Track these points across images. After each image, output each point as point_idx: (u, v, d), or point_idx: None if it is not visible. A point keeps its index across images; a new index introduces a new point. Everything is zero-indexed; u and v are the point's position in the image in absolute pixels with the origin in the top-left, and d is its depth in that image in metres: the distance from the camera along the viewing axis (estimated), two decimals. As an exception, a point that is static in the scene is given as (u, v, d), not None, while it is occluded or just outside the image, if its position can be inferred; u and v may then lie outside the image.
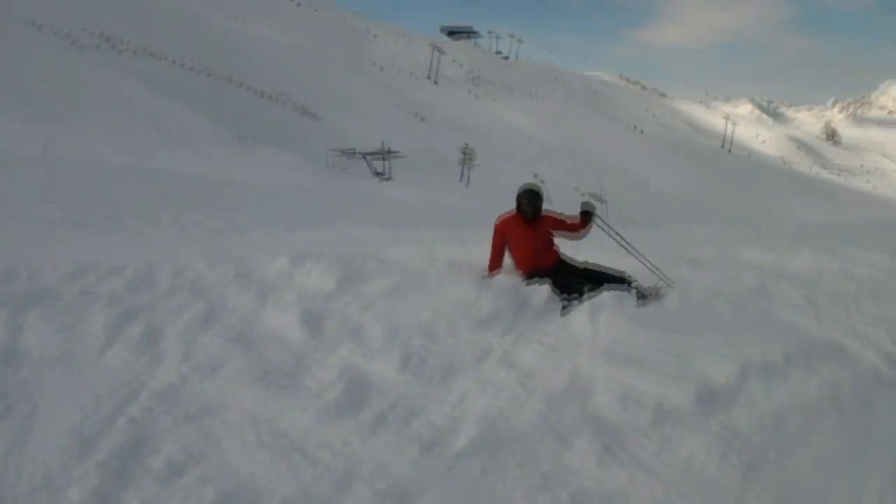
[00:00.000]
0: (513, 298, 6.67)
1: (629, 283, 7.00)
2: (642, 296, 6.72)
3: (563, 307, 6.41)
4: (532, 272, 7.29)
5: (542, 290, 6.78)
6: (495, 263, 7.64)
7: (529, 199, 7.49)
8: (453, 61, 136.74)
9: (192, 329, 5.97)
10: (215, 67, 70.95)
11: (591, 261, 7.53)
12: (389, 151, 58.49)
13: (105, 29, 66.10)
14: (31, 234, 10.88)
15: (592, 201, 8.04)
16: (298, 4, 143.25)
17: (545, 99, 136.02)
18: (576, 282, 6.87)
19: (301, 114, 70.57)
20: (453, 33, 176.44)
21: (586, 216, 7.71)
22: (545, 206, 7.60)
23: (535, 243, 7.51)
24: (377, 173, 55.56)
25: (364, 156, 57.70)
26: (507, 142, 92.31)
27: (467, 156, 63.49)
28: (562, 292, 6.69)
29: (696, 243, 11.55)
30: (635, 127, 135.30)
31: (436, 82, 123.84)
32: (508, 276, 7.37)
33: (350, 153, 56.84)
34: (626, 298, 6.38)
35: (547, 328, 5.93)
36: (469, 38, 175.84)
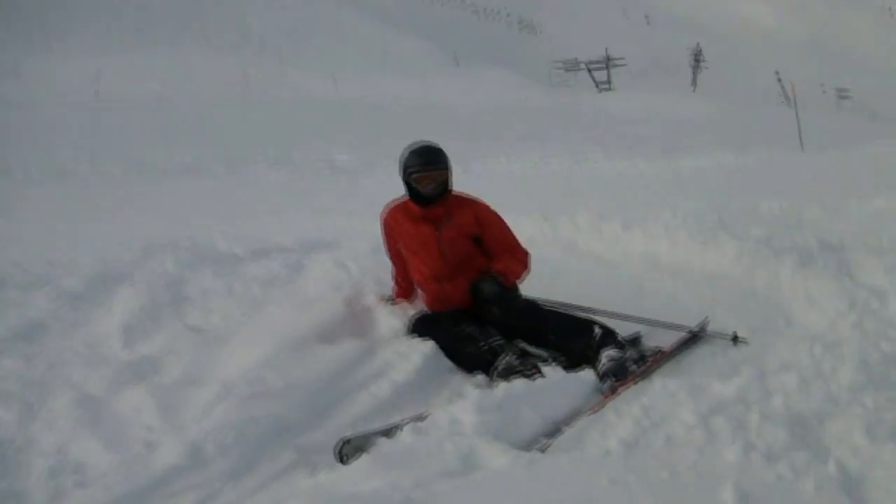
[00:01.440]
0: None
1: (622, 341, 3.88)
2: (641, 358, 3.72)
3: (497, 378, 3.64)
4: (437, 304, 4.37)
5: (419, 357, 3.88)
6: (400, 280, 4.71)
7: (422, 162, 4.24)
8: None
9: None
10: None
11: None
12: (609, 59, 55.04)
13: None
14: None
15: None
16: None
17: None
18: (527, 330, 4.08)
19: (521, 28, 68.05)
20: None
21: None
22: None
23: (440, 249, 4.30)
24: (599, 83, 52.61)
25: (587, 67, 54.75)
26: (742, 40, 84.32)
27: (698, 59, 58.22)
28: (491, 361, 3.76)
29: None
30: (890, 10, 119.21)
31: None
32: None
33: (571, 66, 54.36)
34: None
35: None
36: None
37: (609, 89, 50.67)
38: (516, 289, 4.30)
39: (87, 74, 24.39)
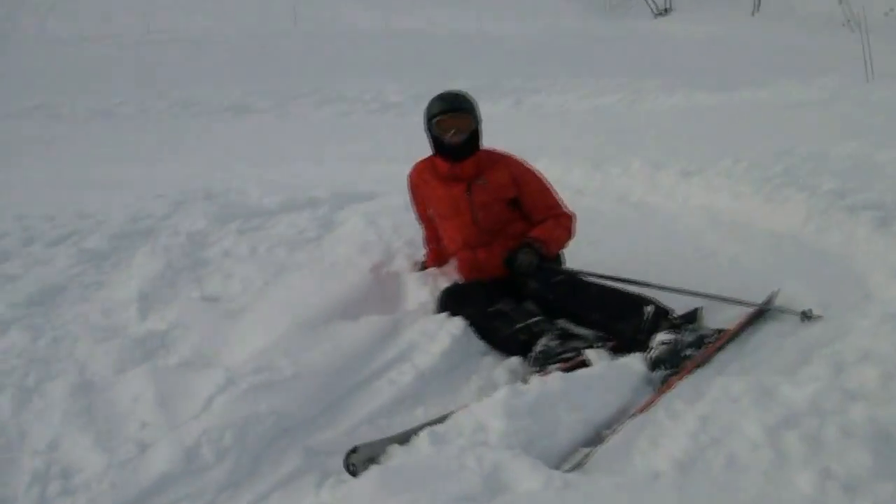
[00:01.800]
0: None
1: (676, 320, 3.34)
2: (698, 341, 3.15)
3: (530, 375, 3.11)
4: (470, 273, 3.92)
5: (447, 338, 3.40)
6: (431, 244, 4.24)
7: (445, 107, 3.76)
8: None
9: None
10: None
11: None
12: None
13: None
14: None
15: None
16: None
17: None
18: (570, 308, 3.54)
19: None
20: None
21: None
22: None
23: (472, 213, 3.83)
24: (657, 8, 50.70)
25: (646, -10, 52.77)
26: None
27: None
28: (527, 343, 3.32)
29: None
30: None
31: None
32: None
33: (630, -11, 52.51)
34: None
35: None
36: None
37: (667, 12, 48.79)
38: (558, 259, 3.84)
39: (139, 10, 24.06)
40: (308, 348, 3.31)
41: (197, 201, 6.41)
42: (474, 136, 3.83)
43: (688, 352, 3.07)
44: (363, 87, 15.85)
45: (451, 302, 3.67)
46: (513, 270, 3.64)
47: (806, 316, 3.44)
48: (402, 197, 5.50)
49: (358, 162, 8.41)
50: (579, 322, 3.49)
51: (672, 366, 3.01)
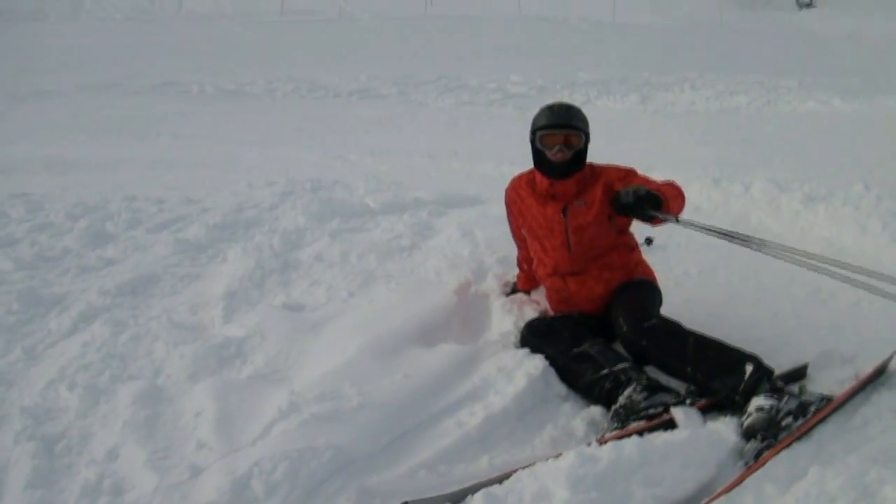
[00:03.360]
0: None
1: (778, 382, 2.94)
2: (801, 408, 2.77)
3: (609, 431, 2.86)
4: (558, 304, 3.65)
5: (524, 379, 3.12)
6: (524, 265, 3.99)
7: (552, 121, 3.46)
8: None
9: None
10: None
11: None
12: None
13: None
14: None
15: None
16: None
17: None
18: (662, 356, 3.16)
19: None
20: None
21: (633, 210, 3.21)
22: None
23: (565, 238, 3.53)
24: (803, 4, 48.30)
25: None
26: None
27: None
28: (612, 391, 3.03)
29: None
30: None
31: None
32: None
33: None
34: None
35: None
36: None
37: (811, 5, 46.51)
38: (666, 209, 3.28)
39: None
40: (377, 376, 3.14)
41: (304, 193, 6.39)
42: (580, 154, 3.54)
43: (787, 421, 2.72)
44: (486, 75, 15.64)
45: (532, 339, 3.42)
46: (618, 201, 3.27)
47: None
48: (503, 205, 5.29)
49: (470, 159, 8.21)
50: (670, 373, 3.17)
51: (767, 437, 2.66)
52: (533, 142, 3.56)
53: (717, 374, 2.96)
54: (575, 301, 3.56)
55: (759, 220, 5.36)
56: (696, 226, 3.26)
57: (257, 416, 2.93)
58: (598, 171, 3.59)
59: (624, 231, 3.64)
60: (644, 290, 3.53)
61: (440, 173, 7.46)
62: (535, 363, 3.21)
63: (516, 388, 3.07)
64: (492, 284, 4.07)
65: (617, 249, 3.58)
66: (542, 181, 3.61)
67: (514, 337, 3.50)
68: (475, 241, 4.60)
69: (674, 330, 3.20)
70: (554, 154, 3.48)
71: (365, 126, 11.06)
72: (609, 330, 3.41)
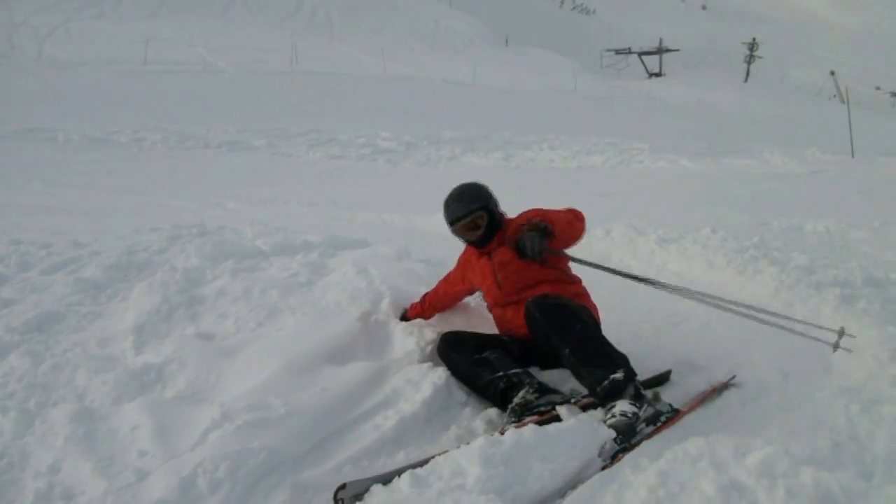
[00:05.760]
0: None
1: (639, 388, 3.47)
2: (655, 417, 3.46)
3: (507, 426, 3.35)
4: (500, 329, 4.21)
5: (429, 387, 3.61)
6: (428, 299, 4.55)
7: (451, 219, 4.18)
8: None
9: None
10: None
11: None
12: (662, 50, 54.31)
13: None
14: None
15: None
16: None
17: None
18: (549, 338, 3.64)
19: (577, 10, 67.19)
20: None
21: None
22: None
23: (495, 278, 4.11)
24: (651, 74, 51.99)
25: (639, 55, 54.16)
26: (798, 31, 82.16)
27: (752, 50, 56.77)
28: (505, 391, 3.58)
29: None
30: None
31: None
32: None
33: (624, 52, 53.89)
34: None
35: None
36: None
37: (660, 75, 50.15)
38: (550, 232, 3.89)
39: (137, 39, 24.46)
40: (298, 390, 3.54)
41: (192, 237, 6.61)
42: (490, 225, 4.14)
43: (641, 427, 3.33)
44: (356, 130, 16.21)
45: (443, 346, 3.91)
46: (517, 246, 3.88)
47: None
48: (392, 247, 5.77)
49: (350, 208, 8.67)
50: (551, 348, 3.61)
51: (625, 441, 3.23)
52: (452, 232, 4.23)
53: (589, 364, 3.45)
54: (510, 327, 4.06)
55: (620, 259, 6.11)
56: (585, 263, 4.02)
57: (192, 427, 3.27)
58: (510, 222, 4.18)
59: (555, 266, 4.12)
60: (565, 299, 3.88)
61: (323, 219, 7.88)
62: (439, 374, 3.71)
63: (423, 395, 3.55)
64: (389, 313, 4.53)
65: (551, 283, 4.03)
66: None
67: (418, 354, 3.98)
68: (370, 277, 5.04)
69: (568, 313, 3.66)
70: (470, 238, 4.16)
71: (239, 176, 11.35)
72: (541, 354, 3.88)
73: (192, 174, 11.50)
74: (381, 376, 3.75)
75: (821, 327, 3.74)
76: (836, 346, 3.59)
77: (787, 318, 3.75)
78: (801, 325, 3.79)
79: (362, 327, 4.27)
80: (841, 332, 3.59)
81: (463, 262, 4.41)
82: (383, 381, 3.72)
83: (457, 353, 3.84)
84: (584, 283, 4.24)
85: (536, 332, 3.71)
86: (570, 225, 4.01)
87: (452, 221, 4.16)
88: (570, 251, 4.15)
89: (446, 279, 4.52)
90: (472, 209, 4.10)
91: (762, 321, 3.78)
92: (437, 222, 7.91)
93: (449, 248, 6.38)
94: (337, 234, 6.68)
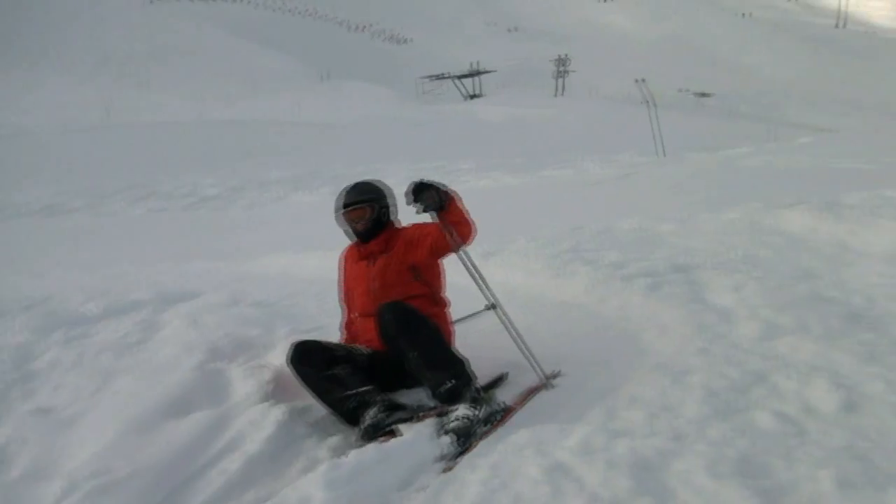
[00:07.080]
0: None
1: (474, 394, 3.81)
2: (489, 418, 3.72)
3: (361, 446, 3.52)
4: (347, 338, 4.49)
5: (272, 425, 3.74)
6: (344, 326, 4.62)
7: (345, 201, 4.32)
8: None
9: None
10: (296, 3, 69.05)
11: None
12: (478, 72, 56.39)
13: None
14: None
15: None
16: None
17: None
18: (402, 334, 3.91)
19: (390, 41, 68.40)
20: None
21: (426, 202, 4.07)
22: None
23: (368, 284, 4.33)
24: (469, 96, 53.83)
25: (454, 79, 55.93)
26: (603, 45, 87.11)
27: (562, 66, 59.82)
28: (355, 410, 3.79)
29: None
30: (743, 15, 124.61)
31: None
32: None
33: (441, 77, 55.43)
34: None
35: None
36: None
37: (477, 96, 52.02)
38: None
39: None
40: (142, 448, 3.58)
41: (19, 311, 6.38)
42: (378, 220, 4.35)
43: (478, 428, 3.61)
44: (178, 181, 15.95)
45: (294, 357, 4.02)
46: (419, 184, 4.06)
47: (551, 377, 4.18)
48: (225, 293, 5.81)
49: (177, 261, 8.60)
50: (399, 351, 3.89)
51: (465, 443, 3.50)
52: (338, 220, 4.37)
53: (433, 367, 3.81)
54: (371, 338, 4.21)
55: (449, 276, 6.37)
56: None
57: (40, 499, 3.25)
58: (401, 230, 4.43)
59: (429, 284, 4.42)
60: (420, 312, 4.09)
61: (151, 275, 7.78)
62: (282, 410, 3.87)
63: (267, 433, 3.69)
64: (226, 359, 4.59)
65: (418, 299, 4.25)
66: (359, 245, 4.42)
67: (259, 395, 4.08)
68: (203, 326, 5.09)
69: (418, 320, 3.98)
70: (356, 226, 4.33)
71: (61, 241, 10.98)
72: (387, 372, 4.07)
73: (6, 245, 11.00)
74: (223, 421, 3.84)
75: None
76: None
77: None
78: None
79: (200, 377, 4.32)
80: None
81: (341, 263, 4.57)
82: (226, 425, 3.81)
83: (307, 366, 3.98)
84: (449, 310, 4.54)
85: (386, 335, 3.97)
86: (466, 219, 4.27)
87: (343, 206, 4.30)
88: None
89: (343, 291, 4.60)
90: (362, 199, 4.33)
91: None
92: (269, 264, 8.05)
93: (281, 287, 6.50)
94: (167, 288, 6.66)
